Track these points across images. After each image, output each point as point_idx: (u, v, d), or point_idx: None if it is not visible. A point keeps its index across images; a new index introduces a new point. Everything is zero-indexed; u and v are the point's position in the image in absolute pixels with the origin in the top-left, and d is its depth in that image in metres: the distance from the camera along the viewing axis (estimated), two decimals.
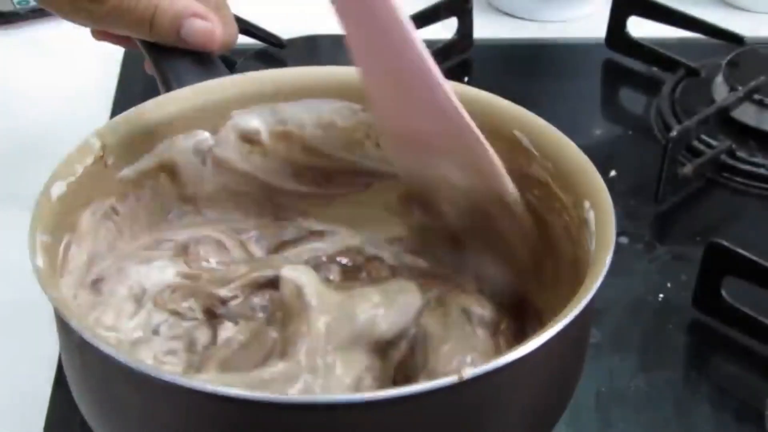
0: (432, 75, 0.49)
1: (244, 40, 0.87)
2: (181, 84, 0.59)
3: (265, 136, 0.60)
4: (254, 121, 0.59)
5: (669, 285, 0.69)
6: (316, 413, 0.43)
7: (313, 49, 0.86)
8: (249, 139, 0.60)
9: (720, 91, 0.83)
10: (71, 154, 0.54)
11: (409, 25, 0.48)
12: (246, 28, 0.86)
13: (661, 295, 0.68)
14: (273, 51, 0.86)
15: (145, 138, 0.58)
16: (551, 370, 0.48)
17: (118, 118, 0.56)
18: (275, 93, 0.60)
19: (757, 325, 0.64)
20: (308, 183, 0.62)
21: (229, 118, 0.59)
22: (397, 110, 0.53)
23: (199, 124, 0.59)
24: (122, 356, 0.44)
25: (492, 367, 0.44)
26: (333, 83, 0.60)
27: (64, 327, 0.49)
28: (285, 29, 0.87)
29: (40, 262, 0.48)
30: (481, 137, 0.51)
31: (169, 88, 0.59)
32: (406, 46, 0.49)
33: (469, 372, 0.43)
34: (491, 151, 0.52)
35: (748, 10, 0.98)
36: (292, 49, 0.85)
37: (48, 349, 0.61)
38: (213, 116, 0.59)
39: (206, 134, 0.59)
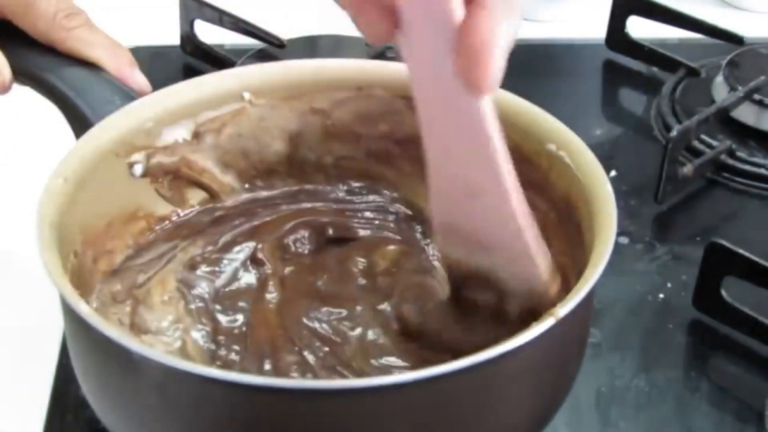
0: (506, 190, 0.48)
1: (244, 40, 0.87)
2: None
3: None
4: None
5: (669, 285, 0.69)
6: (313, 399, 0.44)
7: (313, 49, 0.86)
8: None
9: (720, 91, 0.83)
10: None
11: (496, 136, 0.47)
12: (246, 28, 0.87)
13: (661, 295, 0.68)
14: (273, 51, 0.86)
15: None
16: (551, 359, 0.49)
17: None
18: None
19: (757, 325, 0.64)
20: None
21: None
22: (458, 210, 0.52)
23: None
24: (123, 340, 0.45)
25: (496, 353, 0.45)
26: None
27: (68, 310, 0.49)
28: (285, 29, 0.87)
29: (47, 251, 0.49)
30: (533, 251, 0.51)
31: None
32: (487, 154, 0.47)
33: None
34: (541, 266, 0.52)
35: (748, 10, 0.98)
36: (292, 49, 0.85)
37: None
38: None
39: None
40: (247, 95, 0.61)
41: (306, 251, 0.62)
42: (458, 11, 0.43)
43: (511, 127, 0.58)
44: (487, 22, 0.42)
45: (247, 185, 0.64)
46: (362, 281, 0.60)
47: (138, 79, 0.62)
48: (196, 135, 0.61)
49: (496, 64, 0.43)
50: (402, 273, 0.60)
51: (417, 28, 0.44)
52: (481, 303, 0.54)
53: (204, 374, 0.44)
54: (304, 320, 0.57)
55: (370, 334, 0.56)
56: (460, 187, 0.50)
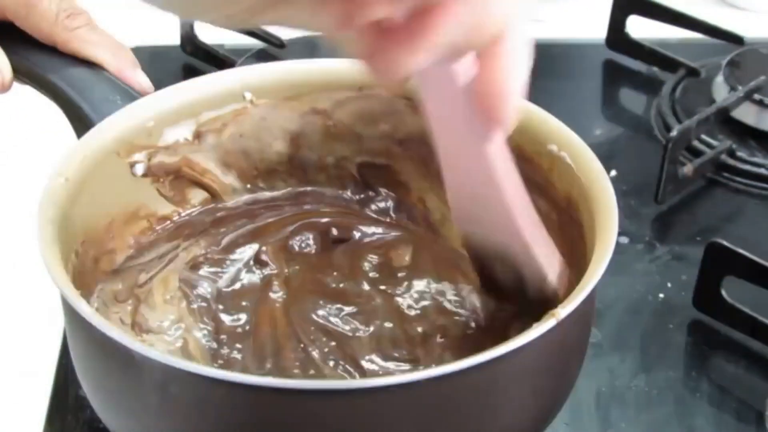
0: (511, 209, 0.50)
1: (244, 40, 0.87)
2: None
3: None
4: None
5: (669, 285, 0.69)
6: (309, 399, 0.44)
7: (313, 49, 0.86)
8: None
9: (720, 91, 0.83)
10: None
11: (506, 169, 0.50)
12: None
13: (661, 295, 0.68)
14: (273, 51, 0.86)
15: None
16: (552, 360, 0.49)
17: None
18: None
19: (757, 325, 0.64)
20: None
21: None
22: (470, 216, 0.54)
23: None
24: (124, 340, 0.45)
25: (497, 354, 0.45)
26: None
27: (68, 310, 0.49)
28: (285, 29, 0.87)
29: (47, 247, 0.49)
30: (535, 253, 0.53)
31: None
32: (495, 182, 0.50)
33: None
34: (545, 266, 0.53)
35: (748, 10, 0.98)
36: (292, 49, 0.85)
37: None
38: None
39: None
40: (248, 95, 0.62)
41: (311, 252, 0.62)
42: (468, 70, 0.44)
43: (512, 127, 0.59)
44: (501, 73, 0.43)
45: (248, 185, 0.64)
46: (376, 276, 0.60)
47: (140, 78, 0.62)
48: (198, 135, 0.61)
49: (512, 108, 0.44)
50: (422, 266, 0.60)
51: (432, 79, 0.46)
52: (501, 281, 0.55)
53: (205, 374, 0.44)
54: (312, 316, 0.57)
55: (383, 329, 0.56)
56: (471, 204, 0.52)
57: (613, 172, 0.76)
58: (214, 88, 0.61)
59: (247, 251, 0.61)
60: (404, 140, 0.63)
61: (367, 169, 0.65)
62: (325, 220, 0.63)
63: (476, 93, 0.44)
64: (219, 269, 0.60)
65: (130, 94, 0.61)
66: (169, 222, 0.62)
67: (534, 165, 0.58)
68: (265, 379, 0.44)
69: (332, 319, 0.57)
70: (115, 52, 0.63)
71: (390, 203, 0.65)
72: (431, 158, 0.63)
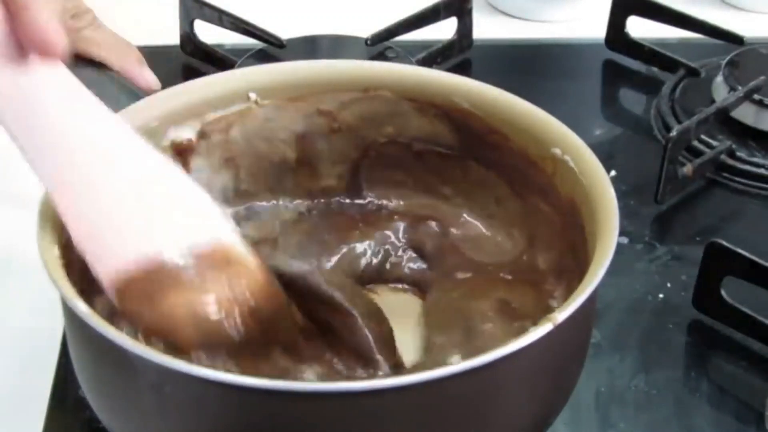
0: None
1: (244, 40, 0.87)
2: None
3: None
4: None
5: (669, 285, 0.69)
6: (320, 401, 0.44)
7: (313, 49, 0.86)
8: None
9: (720, 91, 0.83)
10: None
11: None
12: (246, 28, 0.87)
13: (661, 295, 0.68)
14: (273, 51, 0.86)
15: None
16: (550, 364, 0.49)
17: None
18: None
19: (757, 325, 0.64)
20: None
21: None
22: None
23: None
24: (121, 340, 0.45)
25: (492, 358, 0.45)
26: None
27: (68, 310, 0.50)
28: (285, 29, 0.87)
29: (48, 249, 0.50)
30: None
31: None
32: None
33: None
34: None
35: (748, 10, 0.98)
36: (292, 49, 0.85)
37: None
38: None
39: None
40: (253, 96, 0.61)
41: None
42: None
43: (517, 130, 0.59)
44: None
45: (252, 186, 0.64)
46: None
47: (146, 76, 0.62)
48: (202, 135, 0.61)
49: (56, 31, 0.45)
50: None
51: None
52: None
53: (201, 375, 0.44)
54: None
55: None
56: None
57: (613, 172, 0.76)
58: (218, 88, 0.61)
59: None
60: (409, 142, 0.63)
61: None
62: None
63: (24, 33, 0.44)
64: None
65: (135, 94, 0.61)
66: None
67: (538, 169, 0.58)
68: (261, 380, 0.44)
69: None
70: (120, 50, 0.63)
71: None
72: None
